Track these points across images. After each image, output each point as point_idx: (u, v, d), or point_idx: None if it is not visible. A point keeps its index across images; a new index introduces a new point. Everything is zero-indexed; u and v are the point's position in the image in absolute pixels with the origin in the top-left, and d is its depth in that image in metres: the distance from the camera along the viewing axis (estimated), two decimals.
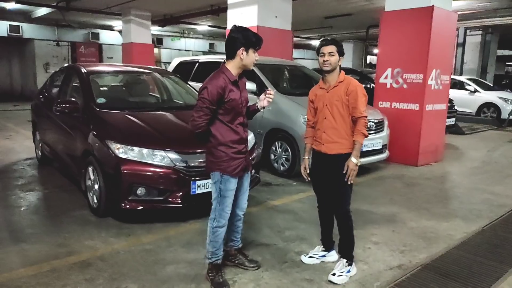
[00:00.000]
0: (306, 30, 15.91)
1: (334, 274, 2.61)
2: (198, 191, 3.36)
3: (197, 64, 6.87)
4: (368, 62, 19.71)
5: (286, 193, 4.52)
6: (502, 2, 10.29)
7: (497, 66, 18.25)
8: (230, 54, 2.36)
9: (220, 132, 2.38)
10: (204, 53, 19.56)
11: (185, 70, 6.80)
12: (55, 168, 5.26)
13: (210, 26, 15.65)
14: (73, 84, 4.68)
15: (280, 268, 2.76)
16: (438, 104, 6.07)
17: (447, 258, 2.98)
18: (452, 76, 10.59)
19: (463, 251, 3.10)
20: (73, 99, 4.19)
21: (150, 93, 5.11)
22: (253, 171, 3.21)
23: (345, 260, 2.69)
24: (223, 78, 2.33)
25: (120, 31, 14.98)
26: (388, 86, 6.11)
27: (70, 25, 15.05)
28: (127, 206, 3.30)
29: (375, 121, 5.22)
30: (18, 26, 14.85)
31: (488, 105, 11.50)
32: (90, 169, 3.63)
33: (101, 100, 4.11)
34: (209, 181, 3.35)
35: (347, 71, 7.07)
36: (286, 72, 6.49)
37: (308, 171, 2.76)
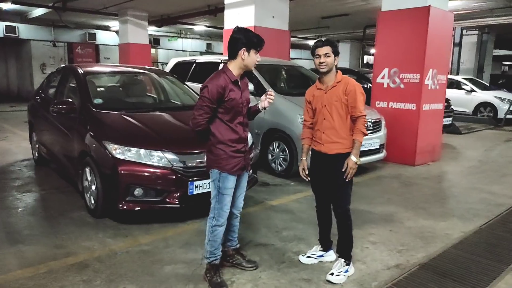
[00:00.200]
0: (303, 30, 15.93)
1: (332, 274, 2.62)
2: (195, 192, 3.35)
3: (194, 64, 6.87)
4: (365, 62, 19.75)
5: (284, 193, 4.52)
6: (498, 2, 10.35)
7: (494, 65, 18.33)
8: (232, 54, 2.39)
9: (220, 131, 2.40)
10: (201, 53, 19.54)
11: (182, 71, 6.79)
12: (52, 169, 5.24)
13: (207, 26, 15.65)
14: (70, 84, 4.66)
15: (278, 268, 2.76)
16: (435, 103, 6.09)
17: (444, 257, 2.99)
18: (449, 76, 10.62)
19: (460, 251, 3.11)
20: (70, 100, 4.17)
21: (147, 94, 5.10)
22: (251, 171, 3.22)
23: (343, 260, 2.69)
24: (224, 78, 2.36)
25: (117, 32, 14.95)
26: (385, 86, 6.13)
27: (67, 26, 15.00)
28: (125, 207, 3.30)
29: (372, 121, 5.23)
30: (14, 26, 14.79)
31: (485, 105, 11.55)
32: (87, 170, 3.62)
33: (98, 101, 4.10)
34: (207, 181, 3.39)
35: (344, 71, 7.09)
36: (283, 72, 6.50)
37: (306, 172, 2.77)
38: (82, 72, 4.43)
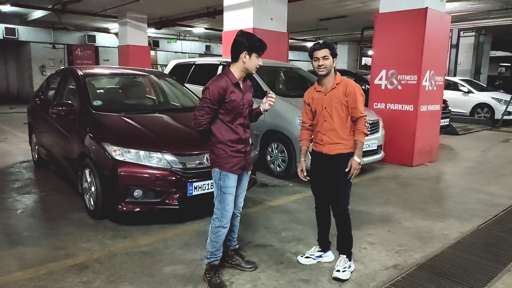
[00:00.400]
0: (302, 32, 15.97)
1: (338, 271, 2.66)
2: (195, 193, 3.37)
3: (194, 66, 6.89)
4: (363, 63, 19.81)
5: (283, 194, 4.54)
6: (495, 3, 10.41)
7: (491, 67, 18.41)
8: (234, 57, 2.44)
9: (220, 131, 2.45)
10: (200, 55, 19.57)
11: (181, 72, 6.81)
12: (51, 171, 5.25)
13: (206, 28, 15.67)
14: (70, 86, 4.68)
15: (277, 268, 2.77)
16: (432, 105, 6.13)
17: (442, 257, 3.01)
18: (446, 77, 10.67)
19: (458, 251, 3.13)
20: (70, 102, 4.19)
21: (147, 95, 5.12)
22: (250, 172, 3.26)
23: (345, 256, 2.73)
24: (225, 80, 2.41)
25: (116, 34, 14.96)
26: (382, 87, 6.16)
27: (66, 28, 15.00)
28: (124, 208, 3.31)
29: (370, 122, 5.26)
30: (14, 28, 14.80)
31: (482, 106, 11.61)
32: (87, 171, 3.63)
33: (97, 103, 4.11)
34: (206, 182, 3.41)
35: (342, 72, 7.08)
36: (281, 74, 6.52)
37: (305, 173, 2.79)
38: (82, 74, 4.44)
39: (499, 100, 11.38)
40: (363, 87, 7.92)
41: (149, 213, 3.51)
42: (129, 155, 3.31)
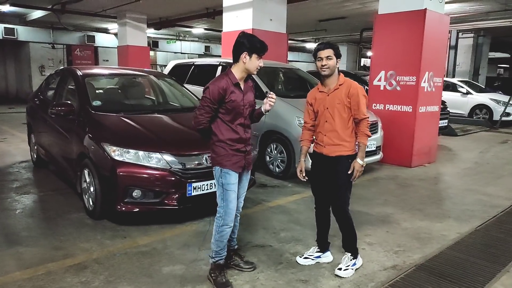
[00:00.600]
0: (301, 33, 16.00)
1: (340, 269, 2.68)
2: (194, 193, 3.37)
3: (193, 66, 6.90)
4: (362, 64, 19.84)
5: (282, 195, 4.54)
6: (493, 5, 10.44)
7: (489, 68, 18.47)
8: (235, 57, 2.47)
9: (220, 130, 2.48)
10: (200, 55, 19.58)
11: (180, 73, 6.82)
12: (50, 171, 5.25)
13: (205, 29, 15.68)
14: (69, 86, 4.67)
15: (276, 269, 2.78)
16: (431, 106, 6.14)
17: (440, 258, 3.01)
18: (445, 78, 10.71)
19: (456, 252, 3.14)
20: (69, 102, 4.19)
21: (146, 96, 5.12)
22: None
23: (349, 254, 2.75)
24: (226, 80, 2.43)
25: (115, 34, 14.95)
26: (381, 88, 6.17)
27: (66, 28, 14.99)
28: (123, 209, 3.31)
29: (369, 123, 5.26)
30: (13, 28, 14.78)
31: (480, 107, 11.63)
32: (86, 171, 3.63)
33: (96, 103, 4.11)
34: (205, 183, 3.42)
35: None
36: (281, 75, 6.53)
37: (304, 174, 2.79)
38: (81, 74, 4.44)
39: (497, 102, 11.41)
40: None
41: (148, 214, 3.52)
42: (128, 156, 3.32)
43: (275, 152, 5.23)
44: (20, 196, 4.26)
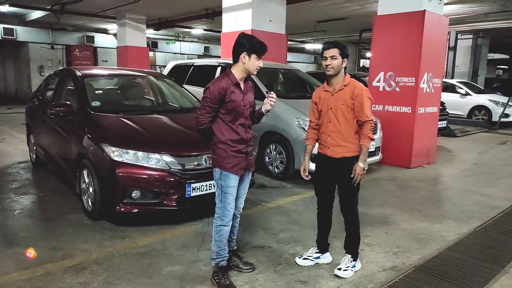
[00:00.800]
0: (300, 34, 16.02)
1: (340, 269, 2.68)
2: (193, 194, 3.37)
3: (192, 67, 6.90)
4: (361, 65, 19.86)
5: (281, 195, 4.54)
6: (492, 6, 10.46)
7: (488, 69, 18.52)
8: (235, 58, 2.48)
9: (221, 131, 2.47)
10: (199, 56, 19.58)
11: (180, 74, 6.82)
12: (49, 172, 5.24)
13: (205, 29, 15.68)
14: (68, 87, 4.67)
15: (275, 270, 2.78)
16: (430, 107, 6.15)
17: (439, 259, 3.02)
18: (444, 79, 10.72)
19: (455, 252, 3.14)
20: (68, 102, 4.19)
21: (145, 97, 5.12)
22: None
23: (349, 256, 2.75)
24: (226, 80, 2.44)
25: (115, 35, 14.95)
26: (380, 89, 6.18)
27: (65, 28, 14.97)
28: (122, 209, 3.31)
29: None
30: (12, 29, 14.77)
31: (479, 108, 11.65)
32: (85, 172, 3.63)
33: (96, 103, 4.11)
34: (204, 183, 3.42)
35: None
36: (280, 76, 6.53)
37: (307, 173, 2.78)
38: (80, 74, 4.44)
39: (496, 103, 11.43)
40: None
41: (147, 214, 3.51)
42: (127, 156, 3.31)
43: (275, 153, 5.23)
44: (19, 197, 4.25)
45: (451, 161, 6.76)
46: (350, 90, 2.56)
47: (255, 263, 2.83)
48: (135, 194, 3.28)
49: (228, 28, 7.92)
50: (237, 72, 2.47)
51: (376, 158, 5.44)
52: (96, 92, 4.59)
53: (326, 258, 2.90)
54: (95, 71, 5.45)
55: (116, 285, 2.52)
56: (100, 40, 17.29)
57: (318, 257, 2.88)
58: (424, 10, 5.64)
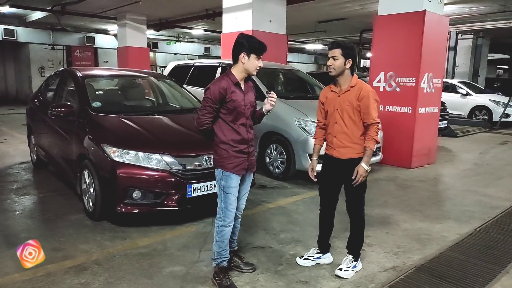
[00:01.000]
0: (300, 34, 16.02)
1: (341, 269, 2.68)
2: (193, 194, 3.37)
3: (193, 68, 6.90)
4: (361, 65, 19.85)
5: (281, 196, 4.54)
6: (492, 6, 10.46)
7: (489, 69, 18.51)
8: (234, 58, 2.48)
9: (223, 131, 2.48)
10: (199, 57, 19.58)
11: (180, 74, 6.83)
12: (50, 172, 5.24)
13: (205, 30, 15.69)
14: (69, 88, 4.68)
15: (276, 270, 2.77)
16: (430, 107, 6.15)
17: (440, 259, 3.01)
18: (444, 80, 10.71)
19: (456, 253, 3.14)
20: (69, 103, 4.19)
21: (146, 97, 5.12)
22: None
23: (351, 256, 2.75)
24: (226, 80, 2.45)
25: (115, 35, 14.96)
26: (381, 89, 6.18)
27: (65, 29, 14.99)
28: (123, 210, 3.31)
29: None
30: (13, 30, 14.78)
31: (480, 108, 11.65)
32: (86, 172, 3.63)
33: (96, 104, 4.11)
34: (205, 184, 3.42)
35: None
36: (280, 76, 6.54)
37: (315, 173, 2.77)
38: (81, 75, 4.45)
39: (497, 103, 11.43)
40: None
41: (148, 215, 3.51)
42: (128, 157, 3.31)
43: (275, 153, 5.23)
44: (20, 197, 4.26)
45: (452, 161, 6.76)
46: (357, 92, 2.53)
47: (256, 263, 2.83)
48: (136, 194, 3.28)
49: (229, 29, 7.92)
50: (237, 72, 2.48)
51: (377, 158, 5.44)
52: (96, 92, 4.60)
53: (327, 258, 2.89)
54: (95, 71, 5.46)
55: (117, 285, 2.52)
56: (101, 40, 17.31)
57: (319, 258, 2.88)
58: (425, 10, 5.64)
